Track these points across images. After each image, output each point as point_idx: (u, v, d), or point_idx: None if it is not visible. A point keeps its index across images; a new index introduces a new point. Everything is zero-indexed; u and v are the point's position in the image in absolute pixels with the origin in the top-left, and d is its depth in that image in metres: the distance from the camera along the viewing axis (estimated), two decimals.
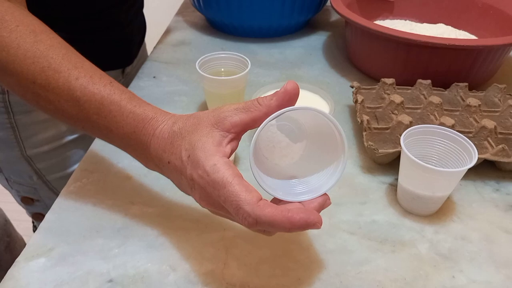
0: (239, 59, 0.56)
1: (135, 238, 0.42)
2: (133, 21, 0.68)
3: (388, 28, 0.58)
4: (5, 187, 0.71)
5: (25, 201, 0.71)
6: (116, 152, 0.52)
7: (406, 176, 0.43)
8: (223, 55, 0.57)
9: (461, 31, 0.74)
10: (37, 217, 0.75)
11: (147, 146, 0.36)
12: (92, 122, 0.38)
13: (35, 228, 0.83)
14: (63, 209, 0.45)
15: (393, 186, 0.48)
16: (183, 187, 0.36)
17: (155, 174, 0.49)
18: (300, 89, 0.41)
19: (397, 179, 0.49)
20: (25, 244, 0.90)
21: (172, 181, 0.37)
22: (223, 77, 0.54)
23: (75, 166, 0.65)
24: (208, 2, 0.76)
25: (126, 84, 0.73)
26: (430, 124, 0.52)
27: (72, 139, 0.65)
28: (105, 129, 0.38)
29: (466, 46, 0.54)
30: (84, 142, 0.66)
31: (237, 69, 0.57)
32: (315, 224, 0.30)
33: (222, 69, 0.58)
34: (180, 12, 0.89)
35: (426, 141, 0.44)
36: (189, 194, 0.36)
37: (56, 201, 0.46)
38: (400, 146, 0.42)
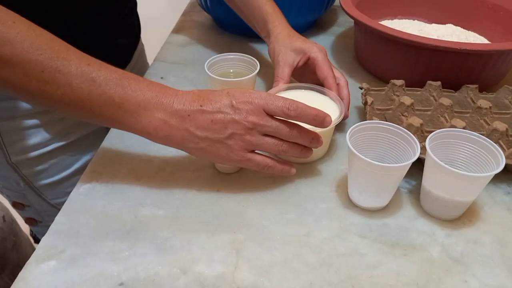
0: (248, 60, 0.56)
1: (145, 240, 0.42)
2: (119, 26, 0.65)
3: (398, 31, 0.57)
4: None
5: (16, 206, 0.71)
6: (125, 154, 0.52)
7: (430, 179, 0.43)
8: (232, 56, 0.57)
9: (470, 31, 0.73)
10: (30, 222, 0.74)
11: (170, 105, 0.42)
12: (109, 96, 0.41)
13: (31, 233, 0.82)
14: (73, 211, 0.45)
15: (404, 189, 0.48)
16: (217, 110, 0.42)
17: (164, 176, 0.49)
18: (308, 90, 0.54)
19: (407, 182, 0.49)
20: (30, 244, 0.90)
21: (193, 127, 0.42)
22: (232, 79, 0.54)
23: (64, 173, 0.66)
24: (215, 2, 0.75)
25: None
26: (440, 126, 0.52)
27: (59, 146, 0.63)
28: (119, 98, 0.41)
29: (477, 51, 0.54)
30: (72, 149, 0.65)
31: (246, 71, 0.57)
32: (329, 119, 0.44)
33: (231, 70, 0.57)
34: (186, 12, 0.89)
35: (452, 145, 0.44)
36: (219, 118, 0.42)
37: (66, 203, 0.46)
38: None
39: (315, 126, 0.43)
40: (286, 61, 0.56)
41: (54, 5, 0.54)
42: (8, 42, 0.38)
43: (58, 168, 0.65)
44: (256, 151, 0.44)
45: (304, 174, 0.50)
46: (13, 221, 0.91)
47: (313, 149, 0.47)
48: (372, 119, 0.52)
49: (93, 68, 0.41)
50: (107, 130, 0.71)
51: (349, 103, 0.55)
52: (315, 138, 0.45)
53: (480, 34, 0.73)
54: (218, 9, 0.77)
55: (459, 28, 0.73)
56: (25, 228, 0.90)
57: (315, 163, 0.52)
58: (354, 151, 0.41)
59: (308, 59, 0.56)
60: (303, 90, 0.54)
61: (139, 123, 0.42)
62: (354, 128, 0.44)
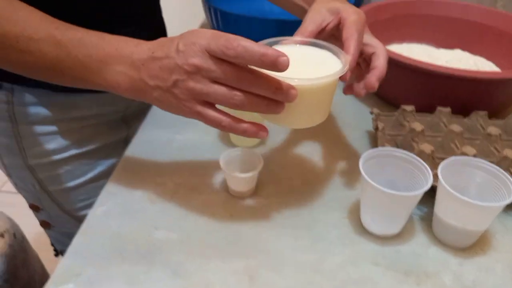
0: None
1: (160, 264, 0.42)
2: None
3: (409, 58, 0.59)
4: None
5: (33, 207, 0.74)
6: (139, 176, 0.53)
7: (442, 207, 0.44)
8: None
9: (477, 56, 0.75)
10: (44, 224, 0.77)
11: (129, 56, 0.40)
12: (74, 56, 0.41)
13: (55, 252, 0.83)
14: (90, 233, 0.46)
15: (416, 216, 0.49)
16: (169, 53, 0.38)
17: (177, 199, 0.50)
18: (307, 46, 0.46)
19: (419, 209, 0.49)
20: (39, 260, 0.91)
21: (153, 73, 0.39)
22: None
23: (77, 181, 0.68)
24: (228, 26, 0.77)
25: (139, 107, 0.74)
26: (451, 152, 0.53)
27: (75, 154, 0.66)
28: (83, 57, 0.41)
29: (487, 80, 0.55)
30: (87, 158, 0.68)
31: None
32: (284, 59, 0.35)
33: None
34: None
35: (463, 172, 0.45)
36: (173, 58, 0.38)
37: (83, 223, 0.47)
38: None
39: (267, 68, 0.36)
40: (314, 18, 0.47)
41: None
42: None
43: (72, 175, 0.67)
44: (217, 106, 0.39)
45: (316, 198, 0.51)
46: (23, 238, 0.92)
47: (311, 114, 0.42)
48: (384, 145, 0.53)
49: (59, 31, 0.42)
50: (122, 142, 0.74)
51: (382, 74, 0.47)
52: (280, 88, 0.37)
53: (488, 59, 0.74)
54: (230, 31, 0.79)
55: (467, 53, 0.74)
56: (33, 244, 0.91)
57: (328, 188, 0.52)
58: (368, 179, 0.42)
59: (340, 20, 0.47)
60: (315, 47, 0.46)
61: (103, 79, 0.42)
62: (367, 155, 0.45)
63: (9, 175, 0.70)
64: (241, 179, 0.49)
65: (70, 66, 0.42)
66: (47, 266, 0.88)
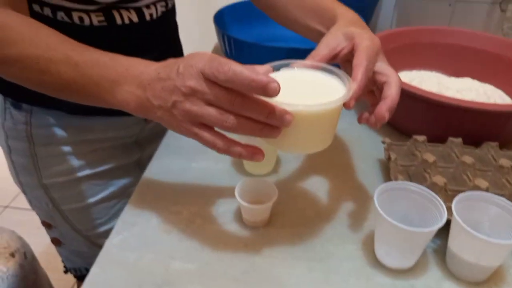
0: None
1: None
2: None
3: (420, 89, 0.60)
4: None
5: (45, 225, 0.76)
6: (155, 205, 0.54)
7: (456, 242, 0.44)
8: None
9: (487, 84, 0.75)
10: (55, 242, 0.79)
11: (137, 76, 0.42)
12: (88, 77, 0.44)
13: (65, 269, 0.84)
14: (107, 263, 0.47)
15: (430, 249, 0.49)
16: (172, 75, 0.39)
17: (193, 229, 0.50)
18: (315, 71, 0.45)
19: (433, 241, 0.49)
20: (48, 281, 0.91)
21: (160, 93, 0.40)
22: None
23: (89, 201, 0.70)
24: (241, 53, 0.79)
25: (157, 129, 0.76)
26: (463, 184, 0.53)
27: (88, 175, 0.68)
28: (97, 77, 0.43)
29: (498, 112, 0.56)
30: (100, 179, 0.70)
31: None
32: (274, 85, 0.35)
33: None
34: None
35: (477, 207, 0.45)
36: (173, 80, 0.39)
37: (100, 254, 0.48)
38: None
39: (257, 93, 0.36)
40: (329, 42, 0.48)
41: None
42: (13, 43, 0.44)
43: (84, 195, 0.69)
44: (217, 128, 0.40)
45: (330, 229, 0.51)
46: (33, 258, 0.93)
47: (311, 140, 0.42)
48: (397, 176, 0.54)
49: (76, 53, 0.44)
50: (135, 164, 0.75)
51: (394, 104, 0.45)
52: (272, 112, 0.37)
53: (497, 87, 0.75)
54: (242, 59, 0.80)
55: (476, 81, 0.75)
56: (41, 261, 0.92)
57: (339, 218, 0.53)
58: (384, 214, 0.42)
59: (353, 46, 0.46)
60: (324, 73, 0.45)
61: (114, 98, 0.43)
62: (382, 188, 0.46)
63: (24, 192, 0.73)
64: (255, 210, 0.50)
65: (85, 85, 0.44)
66: (54, 284, 0.88)
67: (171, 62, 0.41)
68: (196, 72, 0.37)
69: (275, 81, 0.35)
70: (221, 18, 0.88)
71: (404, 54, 0.79)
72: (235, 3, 0.90)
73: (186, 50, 0.79)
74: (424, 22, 1.61)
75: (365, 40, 0.46)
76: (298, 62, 0.46)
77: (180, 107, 0.39)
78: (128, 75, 0.42)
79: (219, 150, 0.40)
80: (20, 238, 0.90)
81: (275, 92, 0.35)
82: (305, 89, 0.43)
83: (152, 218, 0.52)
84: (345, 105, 0.42)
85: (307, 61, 0.46)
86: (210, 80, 0.37)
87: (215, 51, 0.97)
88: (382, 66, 0.47)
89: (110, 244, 0.49)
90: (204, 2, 1.35)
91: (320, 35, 0.54)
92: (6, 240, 0.87)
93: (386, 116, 0.45)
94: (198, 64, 0.37)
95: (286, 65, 0.45)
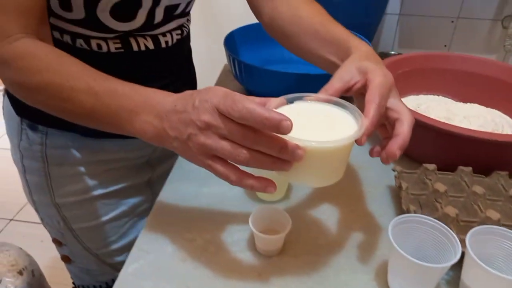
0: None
1: None
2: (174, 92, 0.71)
3: (430, 118, 0.60)
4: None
5: (55, 242, 0.77)
6: (169, 231, 0.55)
7: (470, 276, 0.45)
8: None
9: (494, 110, 0.76)
10: (65, 259, 0.79)
11: (155, 107, 0.43)
12: (107, 106, 0.45)
13: (74, 286, 0.85)
14: None
15: (443, 281, 0.49)
16: (188, 105, 0.41)
17: (207, 257, 0.51)
18: (328, 105, 0.46)
19: (447, 273, 0.50)
20: None
21: (177, 124, 0.42)
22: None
23: (100, 220, 0.71)
24: (250, 77, 0.80)
25: (168, 151, 0.76)
26: (475, 214, 0.54)
27: (99, 194, 0.69)
28: (115, 107, 0.45)
29: (508, 143, 0.57)
30: (111, 198, 0.71)
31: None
32: (287, 123, 0.36)
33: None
34: (220, 81, 0.94)
35: (490, 241, 0.46)
36: (188, 110, 0.40)
37: (116, 283, 0.48)
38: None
39: (270, 131, 0.37)
40: (342, 76, 0.48)
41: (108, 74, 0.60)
42: (38, 72, 0.46)
43: (95, 215, 0.71)
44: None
45: (343, 258, 0.52)
46: (41, 276, 0.93)
47: (322, 174, 0.43)
48: (408, 207, 0.54)
49: (97, 83, 0.46)
50: (146, 183, 0.76)
51: (405, 142, 0.45)
52: (284, 147, 0.38)
53: (504, 113, 0.76)
54: (251, 82, 0.82)
55: (483, 107, 0.76)
56: (47, 277, 0.92)
57: (352, 247, 0.53)
58: (398, 248, 0.43)
59: (367, 81, 0.47)
60: (336, 107, 0.46)
61: (133, 127, 0.45)
62: (395, 221, 0.46)
63: (36, 210, 0.74)
64: (269, 240, 0.50)
65: (104, 114, 0.46)
66: None
67: (187, 94, 0.42)
68: (211, 107, 0.39)
69: (287, 119, 0.36)
70: (232, 41, 0.89)
71: (412, 78, 0.81)
72: (245, 25, 0.92)
73: (198, 72, 0.80)
74: (427, 38, 1.63)
75: (378, 76, 0.47)
76: (312, 95, 0.46)
77: (195, 140, 0.40)
78: (146, 106, 0.44)
79: (232, 182, 0.41)
80: (28, 256, 0.90)
81: (287, 130, 0.36)
82: (317, 123, 0.44)
83: (167, 245, 0.53)
84: (357, 142, 0.42)
85: (320, 95, 0.47)
86: (224, 116, 0.38)
87: (225, 71, 0.98)
88: (395, 103, 0.48)
89: (125, 273, 0.49)
90: (215, 24, 1.37)
91: (334, 66, 0.55)
92: (14, 258, 0.88)
93: (397, 154, 0.45)
94: (213, 100, 0.38)
95: (300, 98, 0.46)
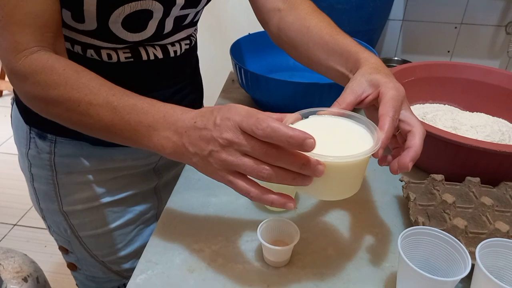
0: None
1: None
2: (180, 102, 0.68)
3: (438, 129, 0.61)
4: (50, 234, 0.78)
5: (62, 250, 0.77)
6: (177, 242, 0.55)
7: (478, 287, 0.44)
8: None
9: (500, 119, 0.76)
10: (71, 267, 0.80)
11: (174, 123, 0.44)
12: (126, 121, 0.46)
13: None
14: None
15: None
16: (209, 123, 0.42)
17: (215, 268, 0.51)
18: (342, 119, 0.48)
19: (457, 287, 0.50)
20: None
21: (194, 141, 0.43)
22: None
23: (106, 228, 0.71)
24: (256, 85, 0.80)
25: (171, 162, 0.77)
26: (483, 226, 0.54)
27: (104, 203, 0.70)
28: (134, 122, 0.46)
29: None
30: (118, 206, 0.71)
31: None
32: (311, 141, 0.37)
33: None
34: (226, 89, 0.95)
35: (500, 253, 0.45)
36: (210, 128, 0.41)
37: None
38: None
39: (294, 149, 0.39)
40: (354, 89, 0.50)
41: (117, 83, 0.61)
42: (57, 86, 0.47)
43: (102, 222, 0.71)
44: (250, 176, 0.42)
45: (351, 269, 0.52)
46: (45, 283, 0.93)
47: (336, 184, 0.44)
48: (417, 218, 0.54)
49: (115, 97, 0.46)
50: (152, 190, 0.76)
51: (417, 154, 0.46)
52: (307, 163, 0.39)
53: (511, 122, 0.76)
54: (257, 90, 0.82)
55: (490, 116, 0.76)
56: (50, 282, 0.92)
57: (363, 260, 0.53)
58: (407, 261, 0.43)
59: (379, 94, 0.48)
60: (350, 120, 0.47)
61: (151, 142, 0.46)
62: (405, 234, 0.46)
63: (44, 217, 0.74)
64: (278, 251, 0.50)
65: (122, 129, 0.46)
66: None
67: (207, 111, 0.43)
68: (233, 125, 0.40)
69: (311, 137, 0.37)
70: (238, 49, 0.90)
71: (418, 87, 0.81)
72: (251, 33, 0.92)
73: (204, 80, 0.80)
74: (430, 44, 1.63)
75: (391, 89, 0.48)
76: (325, 109, 0.47)
77: (216, 156, 0.41)
78: (165, 122, 0.45)
79: (252, 198, 0.41)
80: (33, 262, 0.90)
81: (311, 148, 0.37)
82: (334, 138, 0.44)
83: (175, 256, 0.53)
84: (373, 155, 0.43)
85: (334, 109, 0.47)
86: (246, 133, 0.39)
87: (230, 79, 0.99)
88: (407, 115, 0.49)
89: (133, 284, 0.49)
90: (221, 32, 1.38)
91: (343, 76, 0.56)
92: (19, 264, 0.88)
93: (410, 166, 0.46)
94: (236, 118, 0.40)
95: (313, 113, 0.47)
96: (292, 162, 0.39)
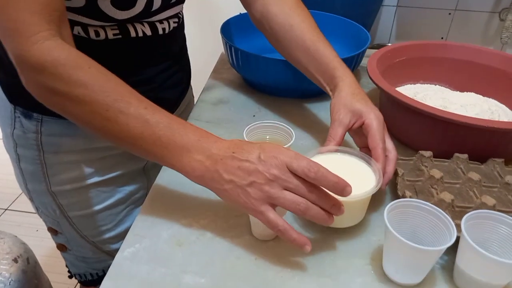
0: (284, 129, 0.59)
1: None
2: (167, 80, 0.70)
3: (426, 105, 0.60)
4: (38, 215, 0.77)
5: (51, 231, 0.77)
6: (165, 217, 0.55)
7: (465, 261, 0.45)
8: (269, 124, 0.60)
9: (491, 99, 0.77)
10: (61, 248, 0.80)
11: (209, 149, 0.47)
12: (157, 137, 0.47)
13: (70, 275, 0.85)
14: (119, 276, 0.47)
15: (437, 265, 0.49)
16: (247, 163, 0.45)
17: (204, 242, 0.51)
18: (353, 157, 0.55)
19: (441, 257, 0.50)
20: (50, 286, 0.91)
21: (227, 173, 0.46)
22: None
23: (96, 207, 0.71)
24: (247, 65, 0.79)
25: None
26: (470, 200, 0.54)
27: (95, 182, 0.69)
28: (167, 140, 0.47)
29: (505, 130, 0.57)
30: (107, 186, 0.71)
31: (282, 138, 0.60)
32: (349, 188, 0.44)
33: (267, 137, 0.60)
34: (217, 69, 0.94)
35: (486, 225, 0.46)
36: (250, 170, 0.45)
37: (111, 267, 0.48)
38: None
39: (335, 193, 0.45)
40: (342, 121, 0.57)
41: (101, 62, 0.60)
42: (83, 84, 0.46)
43: (91, 202, 0.71)
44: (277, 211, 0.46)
45: (338, 244, 0.52)
46: (36, 263, 0.93)
47: (348, 216, 0.50)
48: (404, 192, 0.54)
49: (148, 111, 0.47)
50: (142, 170, 0.76)
51: (390, 178, 0.55)
52: (336, 205, 0.46)
53: (500, 101, 0.76)
54: (248, 70, 0.81)
55: (480, 96, 0.76)
56: (42, 266, 0.92)
57: (350, 234, 0.53)
58: (394, 232, 0.43)
59: (363, 123, 0.56)
60: (348, 155, 0.55)
61: (180, 162, 0.47)
62: (391, 206, 0.46)
63: (31, 199, 0.73)
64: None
65: (151, 143, 0.47)
66: (55, 287, 0.89)
67: (243, 144, 0.47)
68: (280, 163, 0.44)
69: (349, 184, 0.44)
70: (228, 29, 0.89)
71: (409, 67, 0.80)
72: (242, 13, 0.91)
73: (194, 60, 0.80)
74: (424, 30, 1.63)
75: (374, 121, 0.55)
76: (325, 148, 0.55)
77: (257, 187, 0.45)
78: (199, 145, 0.47)
79: (278, 231, 0.45)
80: (23, 244, 0.90)
81: (348, 193, 0.45)
82: (345, 176, 0.48)
83: (163, 231, 0.53)
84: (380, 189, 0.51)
85: (332, 146, 0.55)
86: (292, 172, 0.44)
87: (221, 60, 0.98)
88: (387, 141, 0.56)
89: (121, 257, 0.49)
90: (211, 13, 1.36)
91: (320, 85, 0.65)
92: (8, 246, 0.87)
93: (383, 189, 0.56)
94: (283, 158, 0.44)
95: (316, 153, 0.55)
96: (327, 201, 0.45)
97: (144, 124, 0.46)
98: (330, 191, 0.45)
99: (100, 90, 0.46)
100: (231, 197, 0.46)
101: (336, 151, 0.55)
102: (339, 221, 0.51)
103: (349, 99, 0.58)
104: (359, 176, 0.51)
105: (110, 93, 0.46)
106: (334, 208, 0.46)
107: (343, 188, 0.44)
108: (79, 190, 0.69)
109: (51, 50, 0.45)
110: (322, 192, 0.46)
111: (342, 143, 0.56)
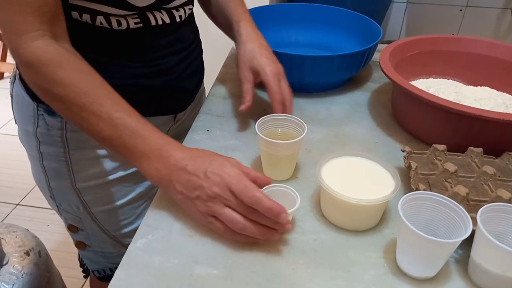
0: (296, 122, 0.59)
1: None
2: (186, 69, 0.71)
3: (441, 98, 0.60)
4: (57, 213, 0.77)
5: (71, 228, 0.77)
6: (177, 208, 0.55)
7: (480, 253, 0.44)
8: (281, 117, 0.60)
9: (505, 94, 0.75)
10: (80, 245, 0.80)
11: (167, 159, 0.50)
12: (123, 141, 0.51)
13: (84, 274, 0.85)
14: (131, 266, 0.47)
15: (451, 258, 0.49)
16: (201, 166, 0.49)
17: (215, 234, 0.51)
18: (362, 158, 0.56)
19: (456, 251, 0.50)
20: (61, 280, 0.92)
21: (185, 180, 0.49)
22: (280, 141, 0.56)
23: (118, 202, 0.72)
24: None
25: (179, 130, 0.77)
26: (485, 194, 0.53)
27: (117, 178, 0.69)
28: (131, 145, 0.51)
29: None
30: (129, 180, 0.71)
31: (293, 131, 0.59)
32: (284, 216, 0.46)
33: (279, 130, 0.60)
34: (227, 64, 0.94)
35: (502, 218, 0.45)
36: (199, 175, 0.48)
37: (124, 258, 0.48)
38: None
39: (272, 218, 0.46)
40: (247, 79, 0.67)
41: (123, 53, 0.61)
42: (62, 84, 0.50)
43: (114, 197, 0.71)
44: None
45: (351, 237, 0.52)
46: (47, 257, 0.93)
47: (365, 220, 0.52)
48: (418, 185, 0.54)
49: (119, 115, 0.50)
50: None
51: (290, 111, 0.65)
52: (279, 223, 0.47)
53: None
54: None
55: (494, 90, 0.75)
56: (56, 264, 0.93)
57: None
58: (408, 224, 0.42)
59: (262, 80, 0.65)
60: (368, 160, 0.56)
61: (141, 167, 0.51)
62: (405, 198, 0.46)
63: (52, 197, 0.73)
64: None
65: (117, 146, 0.51)
66: (65, 281, 0.90)
67: (198, 157, 0.50)
68: (222, 183, 0.47)
69: (285, 211, 0.46)
70: None
71: (422, 61, 0.80)
72: (252, 8, 0.91)
73: (204, 55, 0.80)
74: (434, 27, 1.61)
75: (269, 76, 0.65)
76: (347, 151, 0.57)
77: (202, 202, 0.48)
78: (159, 155, 0.50)
79: (228, 237, 0.49)
80: (35, 237, 0.91)
81: (284, 219, 0.46)
82: (363, 179, 0.54)
83: (175, 222, 0.53)
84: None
85: (353, 151, 0.57)
86: (233, 192, 0.47)
87: (231, 56, 0.98)
88: (282, 89, 0.66)
89: (133, 247, 0.49)
90: None
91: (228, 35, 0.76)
92: (21, 239, 0.88)
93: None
94: (226, 178, 0.47)
95: (329, 159, 0.56)
96: (268, 220, 0.47)
97: (113, 128, 0.50)
98: (266, 215, 0.46)
99: (78, 91, 0.49)
100: (183, 206, 0.51)
101: (357, 155, 0.56)
102: (356, 225, 0.52)
103: (248, 56, 0.66)
104: (377, 181, 0.53)
105: (87, 95, 0.50)
106: (277, 225, 0.47)
107: (277, 214, 0.45)
108: (103, 186, 0.69)
109: (38, 49, 0.49)
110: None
111: (344, 138, 0.59)
